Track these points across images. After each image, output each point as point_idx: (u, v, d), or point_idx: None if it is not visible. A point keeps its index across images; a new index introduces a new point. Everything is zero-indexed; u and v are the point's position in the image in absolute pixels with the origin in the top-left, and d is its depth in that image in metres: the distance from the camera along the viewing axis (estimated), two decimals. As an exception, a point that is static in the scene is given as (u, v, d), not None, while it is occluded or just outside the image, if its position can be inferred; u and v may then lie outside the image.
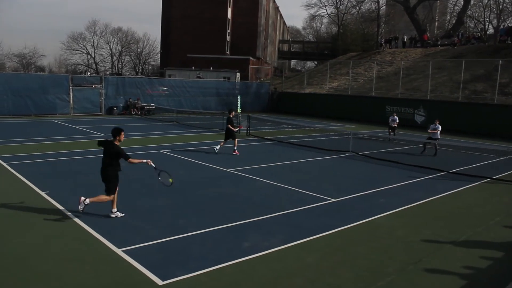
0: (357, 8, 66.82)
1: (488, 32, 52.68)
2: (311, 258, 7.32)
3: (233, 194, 11.19)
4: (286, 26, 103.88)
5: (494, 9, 53.41)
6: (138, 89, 34.05)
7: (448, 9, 68.59)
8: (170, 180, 9.02)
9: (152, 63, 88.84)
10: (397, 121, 23.35)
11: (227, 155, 16.53)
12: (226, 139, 17.17)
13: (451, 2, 65.60)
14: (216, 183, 12.33)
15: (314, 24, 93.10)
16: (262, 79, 54.57)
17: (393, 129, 23.18)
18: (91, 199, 8.71)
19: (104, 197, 8.73)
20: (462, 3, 53.22)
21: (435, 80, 34.59)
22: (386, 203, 10.80)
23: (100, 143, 8.91)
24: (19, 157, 14.80)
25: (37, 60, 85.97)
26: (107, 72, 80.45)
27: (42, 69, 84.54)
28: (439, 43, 45.94)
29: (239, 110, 24.38)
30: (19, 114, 28.02)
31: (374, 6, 62.36)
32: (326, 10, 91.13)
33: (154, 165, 8.98)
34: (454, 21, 56.52)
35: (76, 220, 8.60)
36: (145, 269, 6.55)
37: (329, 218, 9.43)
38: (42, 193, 10.41)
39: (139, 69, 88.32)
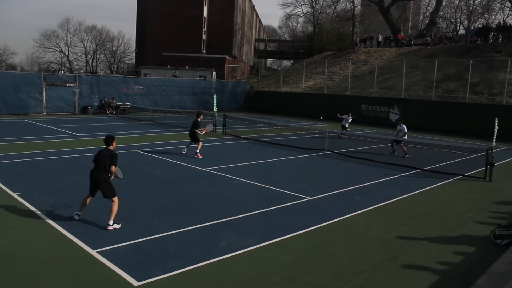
0: (333, 7, 67.52)
1: (459, 33, 53.91)
2: (288, 256, 7.35)
3: (210, 193, 11.14)
4: (262, 25, 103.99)
5: (465, 11, 54.69)
6: (113, 88, 33.55)
7: (421, 10, 69.90)
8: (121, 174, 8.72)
9: (127, 61, 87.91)
10: (350, 121, 22.78)
11: (203, 153, 16.41)
12: (192, 141, 16.49)
13: (424, 2, 66.93)
14: (192, 182, 12.26)
15: (290, 23, 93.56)
16: (238, 78, 54.51)
17: (345, 128, 22.65)
18: (111, 218, 8.20)
19: (115, 206, 8.26)
20: (434, 4, 54.20)
21: (409, 79, 35.13)
22: (362, 201, 10.92)
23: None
24: (-11, 157, 14.42)
25: (8, 58, 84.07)
26: (81, 71, 79.05)
27: (13, 67, 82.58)
28: (412, 42, 46.64)
29: (215, 109, 24.26)
30: (-11, 114, 27.31)
31: (349, 6, 63.11)
32: (302, 9, 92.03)
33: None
34: (427, 21, 57.53)
35: (49, 221, 8.42)
36: (121, 270, 6.46)
37: (306, 217, 9.48)
38: (14, 194, 10.15)
39: (114, 68, 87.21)
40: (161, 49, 54.65)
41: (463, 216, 10.06)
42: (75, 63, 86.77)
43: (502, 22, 44.44)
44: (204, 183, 12.21)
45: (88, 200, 8.60)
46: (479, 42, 39.69)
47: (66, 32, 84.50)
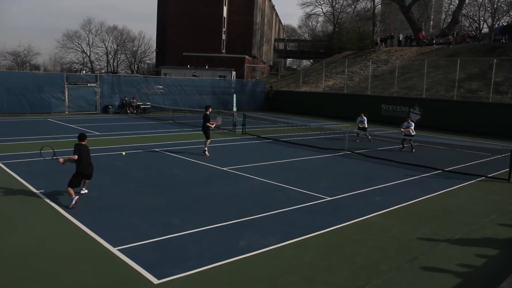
0: (353, 6, 67.07)
1: (483, 31, 52.97)
2: (307, 256, 7.33)
3: (229, 192, 11.18)
4: (282, 25, 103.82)
5: (489, 8, 53.77)
6: (133, 88, 33.97)
7: (443, 8, 68.90)
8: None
9: (148, 61, 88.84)
10: (365, 122, 21.94)
11: (222, 153, 16.49)
12: (206, 138, 16.39)
13: (446, 1, 65.87)
14: (212, 181, 12.31)
15: (310, 22, 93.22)
16: (258, 78, 54.54)
17: (363, 130, 21.77)
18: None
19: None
20: (457, 2, 53.40)
21: (430, 79, 34.66)
22: (382, 201, 10.82)
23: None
24: (14, 156, 14.74)
25: (32, 58, 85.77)
26: (103, 71, 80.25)
27: (37, 67, 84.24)
28: (434, 42, 46.05)
29: (235, 109, 24.35)
30: (14, 113, 27.88)
31: (369, 5, 62.61)
32: (321, 8, 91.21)
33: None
34: (449, 20, 56.69)
35: (72, 219, 8.57)
36: (141, 268, 6.53)
37: (325, 217, 9.44)
38: (37, 192, 10.37)
39: (134, 68, 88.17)
40: (181, 49, 55.05)
41: (486, 218, 9.88)
42: (97, 63, 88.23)
43: (527, 20, 43.59)
44: (224, 183, 12.26)
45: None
46: (503, 41, 38.90)
47: (88, 32, 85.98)
